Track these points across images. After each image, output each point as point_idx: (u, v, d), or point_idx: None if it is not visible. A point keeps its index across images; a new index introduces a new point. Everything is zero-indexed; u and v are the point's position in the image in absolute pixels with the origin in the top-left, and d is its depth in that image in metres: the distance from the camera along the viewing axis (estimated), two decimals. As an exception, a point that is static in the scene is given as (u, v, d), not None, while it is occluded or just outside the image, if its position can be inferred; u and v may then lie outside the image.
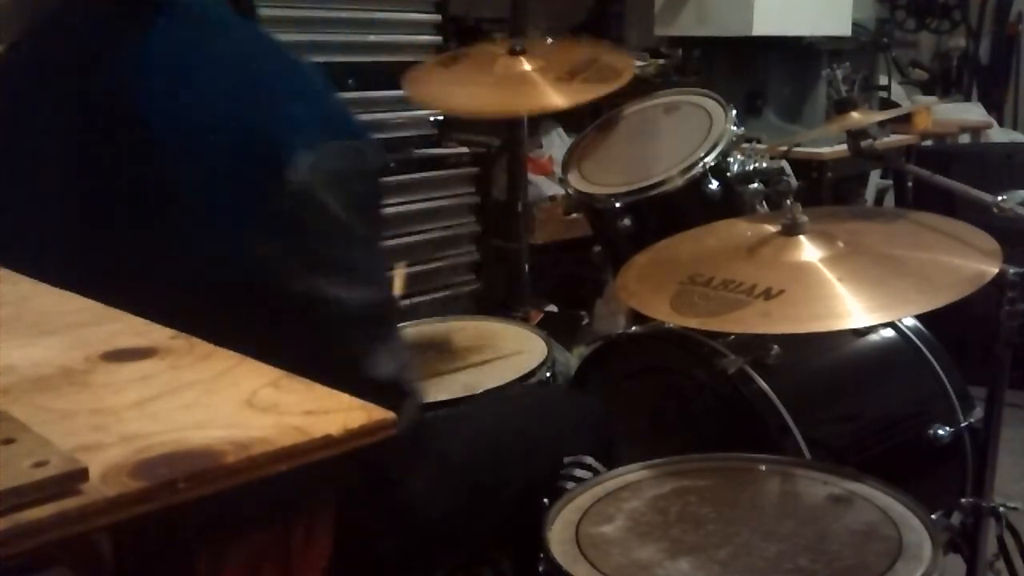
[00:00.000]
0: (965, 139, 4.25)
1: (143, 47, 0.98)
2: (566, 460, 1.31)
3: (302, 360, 0.72)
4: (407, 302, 2.80)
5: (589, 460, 1.31)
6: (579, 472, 1.30)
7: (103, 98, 0.98)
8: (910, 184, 3.52)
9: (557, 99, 1.93)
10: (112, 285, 0.79)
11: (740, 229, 1.48)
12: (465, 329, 1.91)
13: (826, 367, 1.76)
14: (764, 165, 1.75)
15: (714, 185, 1.71)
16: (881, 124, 3.17)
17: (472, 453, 1.27)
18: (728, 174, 1.74)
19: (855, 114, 1.65)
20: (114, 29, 1.01)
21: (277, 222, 0.93)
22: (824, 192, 3.03)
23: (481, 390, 1.54)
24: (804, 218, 1.35)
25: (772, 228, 1.40)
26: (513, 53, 2.00)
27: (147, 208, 0.96)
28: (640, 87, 2.03)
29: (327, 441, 0.54)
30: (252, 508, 0.97)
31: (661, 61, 3.59)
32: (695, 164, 1.71)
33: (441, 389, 1.52)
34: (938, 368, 1.71)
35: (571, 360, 1.98)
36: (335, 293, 0.95)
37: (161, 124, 0.95)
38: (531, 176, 3.02)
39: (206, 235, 0.93)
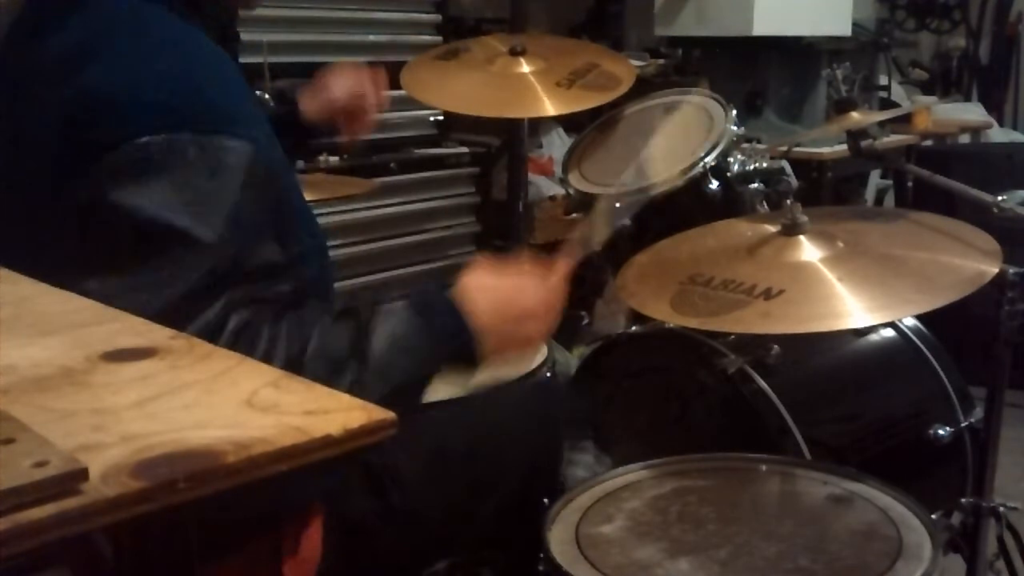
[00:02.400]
0: (965, 139, 4.25)
1: (62, 42, 1.02)
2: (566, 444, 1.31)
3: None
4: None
5: (587, 444, 1.31)
6: (577, 455, 1.30)
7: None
8: (910, 184, 3.52)
9: (553, 106, 1.92)
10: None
11: (740, 229, 1.48)
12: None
13: (826, 367, 1.76)
14: (764, 165, 1.75)
15: (714, 185, 1.71)
16: (881, 124, 3.16)
17: (470, 452, 1.27)
18: (728, 174, 1.74)
19: (855, 114, 1.65)
20: (46, 26, 1.04)
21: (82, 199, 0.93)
22: (824, 192, 3.03)
23: (482, 390, 1.53)
24: (804, 218, 1.35)
25: (772, 228, 1.40)
26: (514, 53, 1.99)
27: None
28: (640, 87, 2.03)
29: (327, 441, 0.54)
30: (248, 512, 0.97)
31: (661, 61, 3.60)
32: (695, 164, 1.71)
33: (441, 389, 1.52)
34: (938, 368, 1.71)
35: (571, 360, 1.98)
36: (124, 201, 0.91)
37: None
38: (531, 176, 3.02)
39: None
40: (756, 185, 1.74)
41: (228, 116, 0.97)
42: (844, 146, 1.75)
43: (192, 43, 1.02)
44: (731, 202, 1.72)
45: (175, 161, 0.91)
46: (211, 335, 0.89)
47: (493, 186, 3.06)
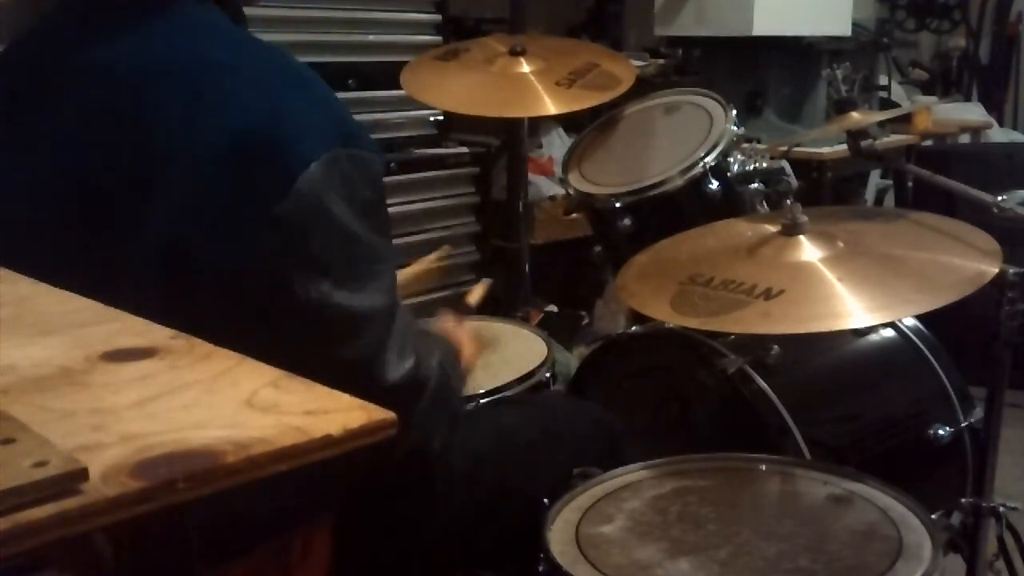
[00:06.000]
0: (965, 139, 4.25)
1: (144, 50, 0.98)
2: (575, 471, 1.30)
3: (305, 364, 0.72)
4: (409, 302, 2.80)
5: (596, 472, 1.31)
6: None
7: (103, 102, 0.97)
8: (910, 184, 3.52)
9: (554, 105, 1.92)
10: (108, 288, 0.77)
11: (740, 229, 1.48)
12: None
13: (826, 367, 1.76)
14: (764, 165, 1.75)
15: (714, 185, 1.71)
16: (881, 124, 3.16)
17: (475, 462, 1.26)
18: (728, 174, 1.74)
19: (855, 114, 1.65)
20: (110, 31, 1.00)
21: (283, 226, 0.92)
22: (824, 192, 3.03)
23: (481, 390, 1.54)
24: (804, 218, 1.35)
25: (772, 228, 1.40)
26: (514, 53, 1.99)
27: (142, 213, 0.94)
28: (640, 87, 2.03)
29: (327, 441, 0.54)
30: (254, 517, 0.97)
31: (661, 61, 3.60)
32: (695, 164, 1.71)
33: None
34: (938, 368, 1.71)
35: (571, 360, 1.98)
36: (342, 300, 0.95)
37: (166, 133, 0.93)
38: (531, 176, 3.02)
39: (208, 238, 0.92)
40: (756, 185, 1.74)
41: (359, 130, 1.00)
42: (844, 146, 1.75)
43: (289, 57, 1.02)
44: (731, 202, 1.72)
45: (343, 178, 0.94)
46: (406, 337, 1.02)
47: (493, 186, 3.06)
